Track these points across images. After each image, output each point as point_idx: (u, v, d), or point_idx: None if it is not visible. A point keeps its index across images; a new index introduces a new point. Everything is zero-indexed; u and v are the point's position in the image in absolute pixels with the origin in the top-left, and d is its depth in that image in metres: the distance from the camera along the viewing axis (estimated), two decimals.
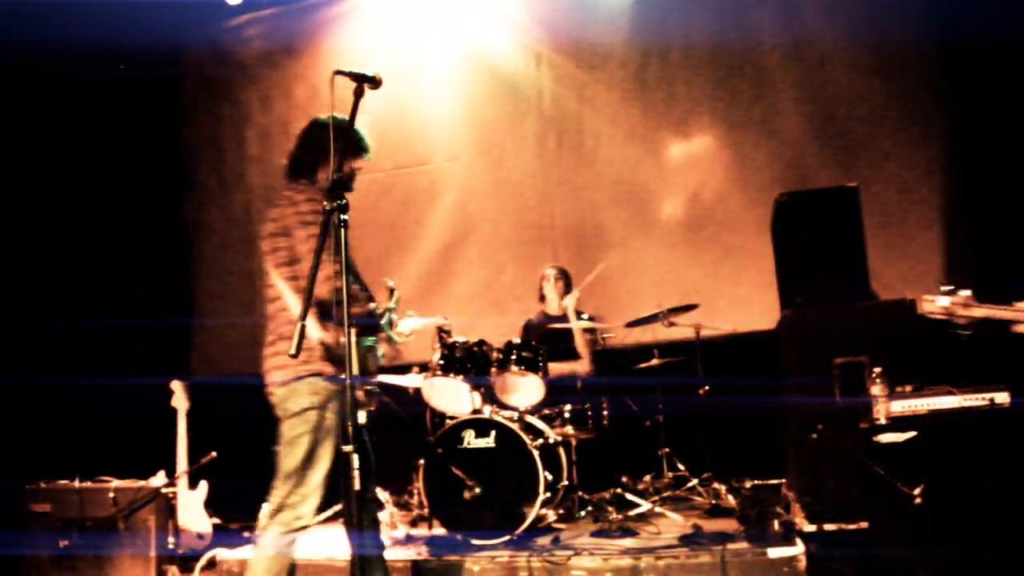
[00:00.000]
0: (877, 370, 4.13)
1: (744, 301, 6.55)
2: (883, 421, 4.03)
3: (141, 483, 5.45)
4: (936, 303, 3.17)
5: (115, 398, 7.17)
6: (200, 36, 8.27)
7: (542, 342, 5.70)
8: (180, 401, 5.90)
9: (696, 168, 7.01)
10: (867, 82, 6.61)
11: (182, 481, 5.59)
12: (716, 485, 5.77)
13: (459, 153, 7.59)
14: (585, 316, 6.03)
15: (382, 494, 5.66)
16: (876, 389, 4.08)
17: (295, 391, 3.41)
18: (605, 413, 5.57)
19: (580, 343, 6.13)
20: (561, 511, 5.45)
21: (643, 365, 6.02)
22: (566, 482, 5.39)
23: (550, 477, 5.08)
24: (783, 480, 5.90)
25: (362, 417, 3.31)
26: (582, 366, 6.12)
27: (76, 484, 5.51)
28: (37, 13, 7.43)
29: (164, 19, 7.81)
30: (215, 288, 8.08)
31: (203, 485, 5.63)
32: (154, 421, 6.35)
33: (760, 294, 6.36)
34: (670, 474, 5.92)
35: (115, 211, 7.83)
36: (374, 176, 7.43)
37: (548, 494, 5.02)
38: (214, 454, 5.50)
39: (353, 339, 2.81)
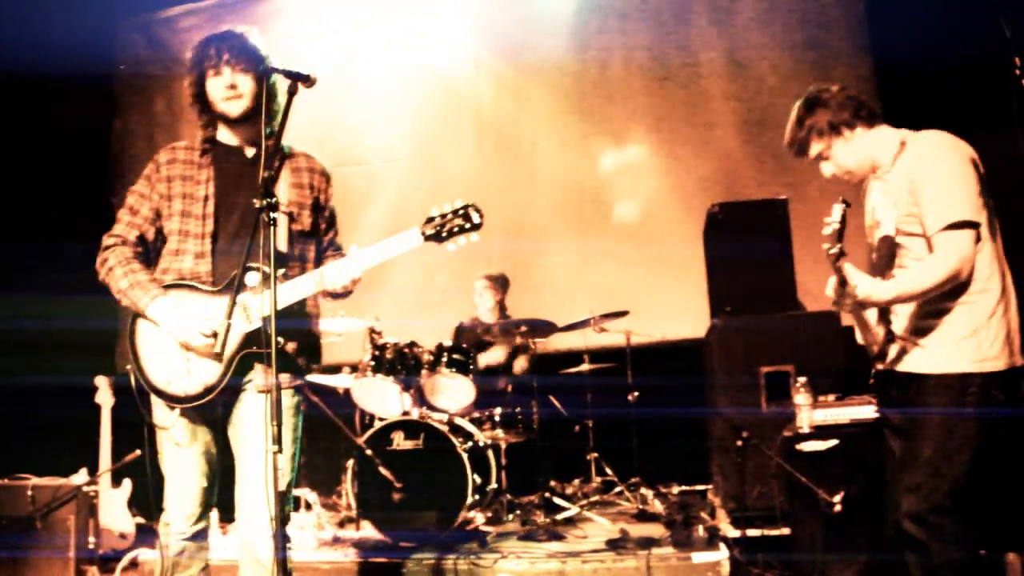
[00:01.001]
0: (801, 379, 4.22)
1: (675, 309, 6.63)
2: (806, 429, 4.12)
3: (61, 481, 5.32)
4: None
5: (40, 395, 7.03)
6: (134, 26, 8.13)
7: (474, 348, 5.72)
8: (105, 397, 5.78)
9: (632, 176, 7.09)
10: (797, 93, 6.69)
11: (104, 479, 5.47)
12: (643, 490, 5.84)
13: (396, 154, 7.57)
14: (515, 319, 6.05)
15: (310, 495, 5.62)
16: (800, 398, 4.17)
17: None
18: (535, 417, 5.60)
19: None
20: (489, 514, 5.46)
21: (573, 370, 6.07)
22: (495, 485, 5.40)
23: (479, 480, 5.08)
24: (709, 486, 6.00)
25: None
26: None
27: None
28: None
29: (98, 7, 7.67)
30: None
31: (126, 483, 5.51)
32: (79, 418, 6.24)
33: (690, 302, 6.43)
34: (598, 479, 5.97)
35: (41, 205, 7.63)
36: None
37: (476, 497, 5.03)
38: (138, 452, 5.37)
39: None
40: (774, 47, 6.87)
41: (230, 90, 3.20)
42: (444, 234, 3.06)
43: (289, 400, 3.21)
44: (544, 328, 5.66)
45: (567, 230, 7.08)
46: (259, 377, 3.13)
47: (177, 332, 3.06)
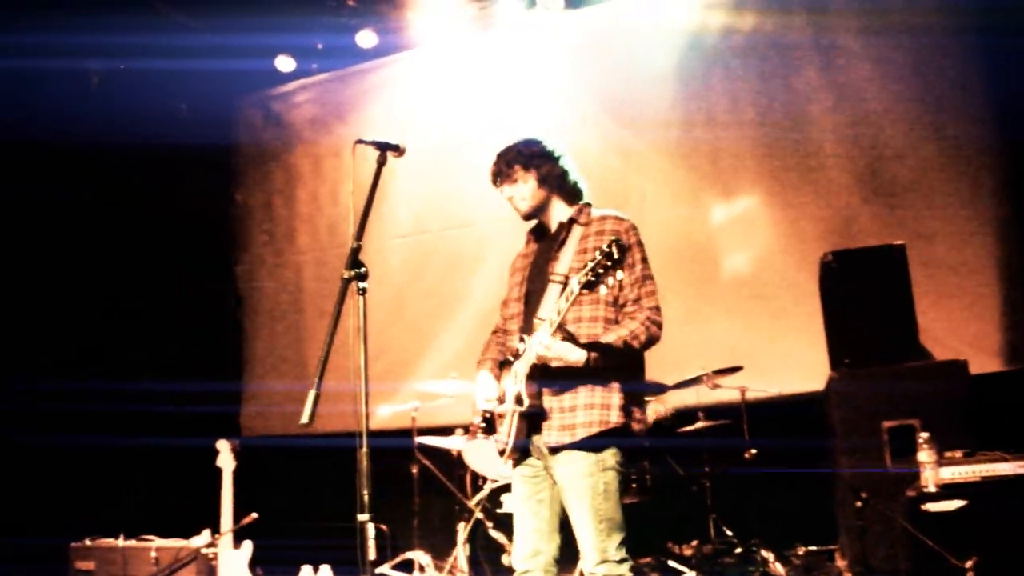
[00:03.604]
0: (924, 435, 4.01)
1: (791, 362, 6.41)
2: (932, 489, 3.90)
3: (183, 543, 5.47)
4: None
5: (165, 458, 7.28)
6: (252, 102, 8.49)
7: None
8: (226, 461, 5.92)
9: (742, 227, 6.94)
10: (911, 137, 6.51)
11: (225, 541, 5.59)
12: (764, 552, 5.61)
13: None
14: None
15: (423, 557, 5.62)
16: (924, 455, 3.96)
17: None
18: (648, 477, 5.47)
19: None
20: None
21: (688, 428, 5.91)
22: None
23: None
24: (834, 547, 5.74)
25: None
26: None
27: (120, 543, 5.55)
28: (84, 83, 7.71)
29: (217, 85, 8.06)
30: (265, 349, 8.18)
31: (247, 545, 5.62)
32: (201, 481, 6.43)
33: (807, 355, 6.24)
34: (717, 540, 5.77)
35: (167, 274, 7.97)
36: (420, 238, 7.50)
37: None
38: (255, 515, 5.49)
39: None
40: (885, 94, 6.66)
41: (510, 201, 3.72)
42: (594, 278, 3.16)
43: (585, 463, 3.36)
44: (655, 387, 5.56)
45: (677, 284, 6.94)
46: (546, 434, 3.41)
47: (476, 400, 3.67)
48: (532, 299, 3.54)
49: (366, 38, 7.79)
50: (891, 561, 4.37)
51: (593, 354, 3.32)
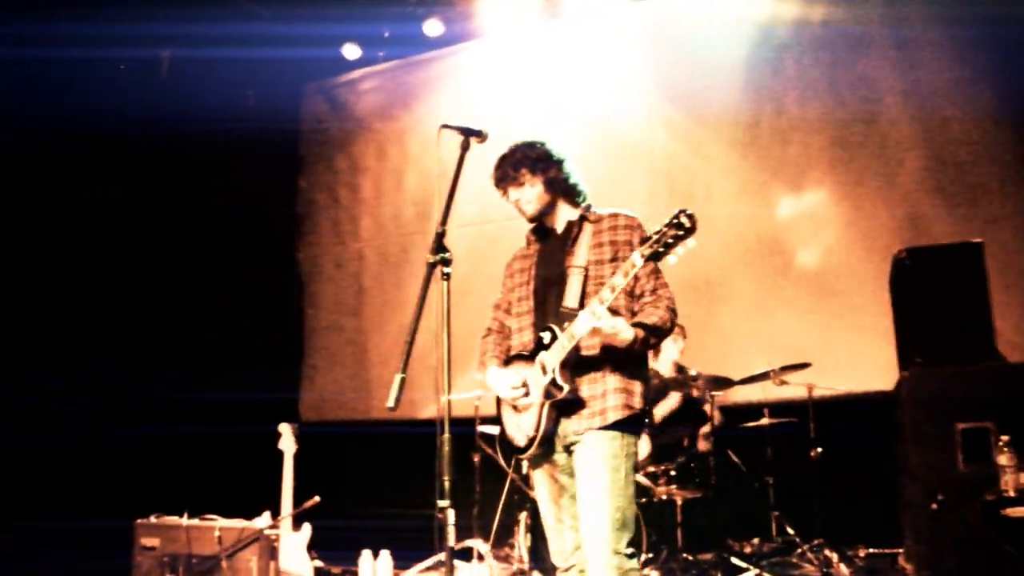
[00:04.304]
0: (1004, 438, 3.90)
1: (860, 360, 6.28)
2: (1011, 493, 3.79)
3: (246, 523, 5.52)
4: None
5: (226, 443, 7.38)
6: (318, 89, 8.55)
7: (650, 401, 5.60)
8: (288, 444, 5.95)
9: (810, 222, 6.82)
10: (989, 132, 6.35)
11: (286, 523, 5.64)
12: (828, 552, 5.51)
13: None
14: (693, 373, 5.88)
15: (482, 546, 5.61)
16: (1004, 458, 3.85)
17: None
18: (712, 472, 5.41)
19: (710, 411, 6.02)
20: (664, 572, 5.28)
21: (752, 424, 5.83)
22: (669, 543, 5.24)
23: (654, 537, 4.94)
24: (900, 550, 5.62)
25: None
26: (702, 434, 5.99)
27: (184, 521, 5.61)
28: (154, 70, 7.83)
29: (283, 73, 8.13)
30: (326, 335, 8.24)
31: (306, 528, 5.65)
32: (262, 463, 6.50)
33: (876, 353, 6.09)
34: (779, 538, 5.69)
35: (231, 261, 8.05)
36: (483, 227, 7.49)
37: (651, 554, 4.89)
38: (317, 499, 5.52)
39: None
40: (960, 87, 6.49)
41: (515, 205, 3.68)
42: (662, 249, 3.13)
43: (607, 445, 3.34)
44: (722, 382, 5.49)
45: (744, 280, 6.87)
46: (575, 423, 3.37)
47: (499, 392, 3.55)
48: (546, 294, 3.56)
49: (433, 27, 7.81)
50: (964, 569, 4.25)
51: (641, 333, 3.33)
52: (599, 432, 3.34)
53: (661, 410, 6.00)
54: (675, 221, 3.13)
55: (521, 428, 3.47)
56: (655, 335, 3.41)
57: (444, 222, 3.05)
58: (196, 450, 7.39)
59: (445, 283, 2.95)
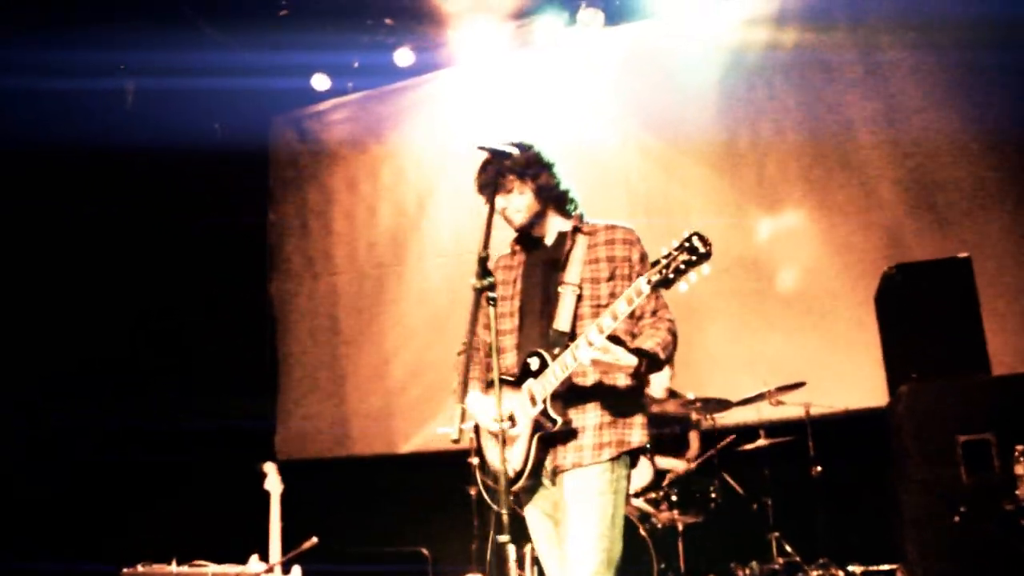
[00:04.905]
0: (1020, 447, 3.92)
1: (846, 378, 6.31)
2: None
3: (239, 568, 5.33)
4: None
5: (202, 480, 7.17)
6: (286, 121, 8.44)
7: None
8: (273, 484, 5.78)
9: (789, 243, 6.87)
10: (962, 151, 6.45)
11: (277, 567, 5.46)
12: (833, 571, 5.50)
13: None
14: (691, 396, 5.85)
15: None
16: (1021, 468, 3.87)
17: None
18: (714, 496, 5.37)
19: (692, 438, 5.97)
20: None
21: (749, 446, 5.81)
22: (673, 569, 5.18)
23: (662, 565, 4.88)
24: (894, 566, 5.62)
25: None
26: (687, 459, 5.94)
27: (173, 568, 5.39)
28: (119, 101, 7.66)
29: (251, 104, 8.00)
30: (300, 371, 8.07)
31: (296, 570, 5.48)
32: (241, 502, 6.32)
33: (861, 371, 6.16)
34: (780, 559, 5.66)
35: (201, 295, 7.86)
36: (461, 257, 7.44)
37: None
38: (315, 540, 5.33)
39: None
40: (931, 108, 6.61)
41: (502, 213, 3.45)
42: (672, 275, 2.93)
43: (604, 480, 3.17)
44: (719, 404, 5.47)
45: (725, 301, 6.87)
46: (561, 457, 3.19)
47: (482, 423, 3.32)
48: (532, 313, 3.33)
49: (404, 56, 7.75)
50: None
51: (644, 360, 3.13)
52: (589, 465, 3.16)
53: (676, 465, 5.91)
54: (687, 244, 2.94)
55: (508, 461, 3.20)
56: (657, 362, 3.21)
57: (486, 246, 2.94)
58: (169, 488, 7.17)
59: (492, 308, 2.82)
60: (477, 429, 3.45)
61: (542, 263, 3.40)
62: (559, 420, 3.10)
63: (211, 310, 7.84)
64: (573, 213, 3.46)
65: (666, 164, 7.27)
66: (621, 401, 3.25)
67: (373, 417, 7.62)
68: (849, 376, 6.32)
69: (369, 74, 8.02)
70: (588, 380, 3.22)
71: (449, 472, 6.43)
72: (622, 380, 3.25)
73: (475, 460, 3.50)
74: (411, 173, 7.91)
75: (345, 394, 7.82)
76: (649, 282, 2.96)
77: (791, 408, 5.79)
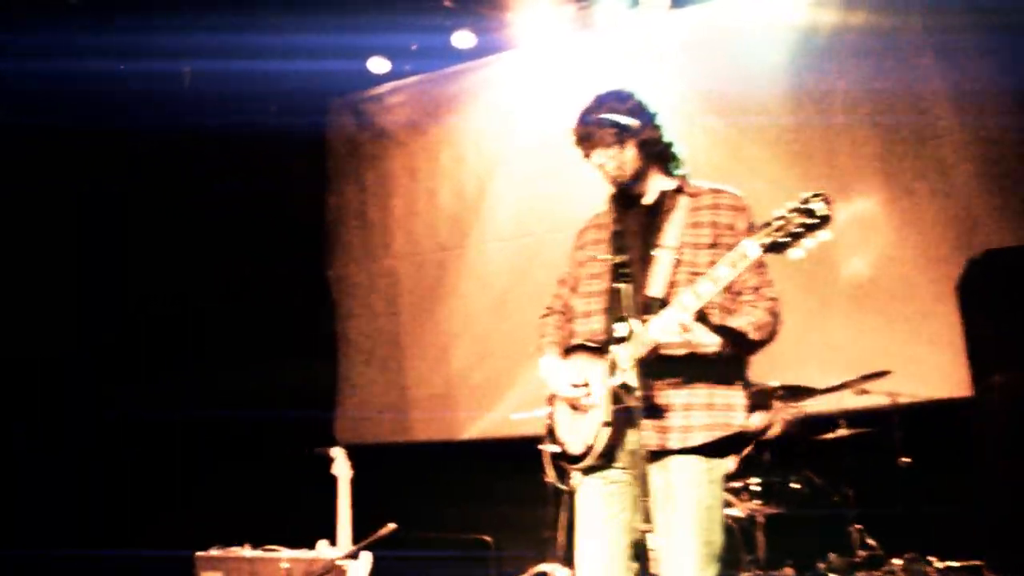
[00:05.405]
0: None
1: (924, 367, 6.15)
2: None
3: (313, 554, 5.28)
4: None
5: (262, 465, 7.14)
6: (343, 104, 8.36)
7: None
8: (342, 468, 5.71)
9: (860, 230, 6.71)
10: None
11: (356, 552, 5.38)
12: (918, 564, 5.38)
13: None
14: (774, 383, 5.70)
15: (560, 571, 5.43)
16: None
17: None
18: (795, 486, 5.27)
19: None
20: None
21: (830, 436, 5.69)
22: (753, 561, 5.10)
23: (751, 556, 4.80)
24: (978, 563, 5.50)
25: None
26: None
27: (247, 553, 5.36)
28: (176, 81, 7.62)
29: (309, 87, 7.92)
30: (360, 356, 8.01)
31: (366, 557, 5.42)
32: (302, 487, 6.28)
33: (939, 360, 6.02)
34: (862, 552, 5.55)
35: (258, 280, 7.81)
36: (523, 240, 7.33)
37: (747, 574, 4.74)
38: (393, 525, 5.25)
39: None
40: (1008, 92, 6.43)
41: (601, 169, 3.25)
42: (786, 239, 2.73)
43: (697, 471, 2.97)
44: (803, 392, 5.35)
45: (794, 289, 6.72)
46: (647, 436, 2.90)
47: (553, 387, 3.10)
48: (623, 275, 3.00)
49: (463, 39, 7.64)
50: None
51: (726, 341, 2.93)
52: (685, 455, 2.92)
53: None
54: (804, 206, 2.74)
55: (578, 433, 3.01)
56: (745, 342, 2.99)
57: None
58: (228, 473, 7.16)
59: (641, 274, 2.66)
60: (551, 396, 3.26)
61: (639, 223, 3.21)
62: (640, 393, 2.80)
63: (268, 294, 7.78)
64: (676, 172, 3.28)
65: (733, 149, 7.12)
66: (720, 378, 3.02)
67: (434, 403, 7.54)
68: (927, 365, 6.17)
69: (428, 57, 7.91)
70: (680, 351, 2.95)
71: (512, 459, 6.36)
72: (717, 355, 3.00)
73: (549, 447, 3.25)
74: (471, 156, 7.80)
75: (405, 379, 7.75)
76: (760, 245, 2.76)
77: (872, 397, 5.65)
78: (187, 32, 7.11)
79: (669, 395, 2.97)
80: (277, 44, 7.44)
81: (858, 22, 6.91)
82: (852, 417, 5.71)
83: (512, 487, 6.54)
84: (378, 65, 7.88)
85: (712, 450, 2.98)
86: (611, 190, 3.30)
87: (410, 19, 7.60)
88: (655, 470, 2.89)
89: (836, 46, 6.93)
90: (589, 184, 7.79)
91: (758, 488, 5.25)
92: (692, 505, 2.91)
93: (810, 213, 2.74)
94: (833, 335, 6.54)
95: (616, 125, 3.18)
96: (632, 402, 2.81)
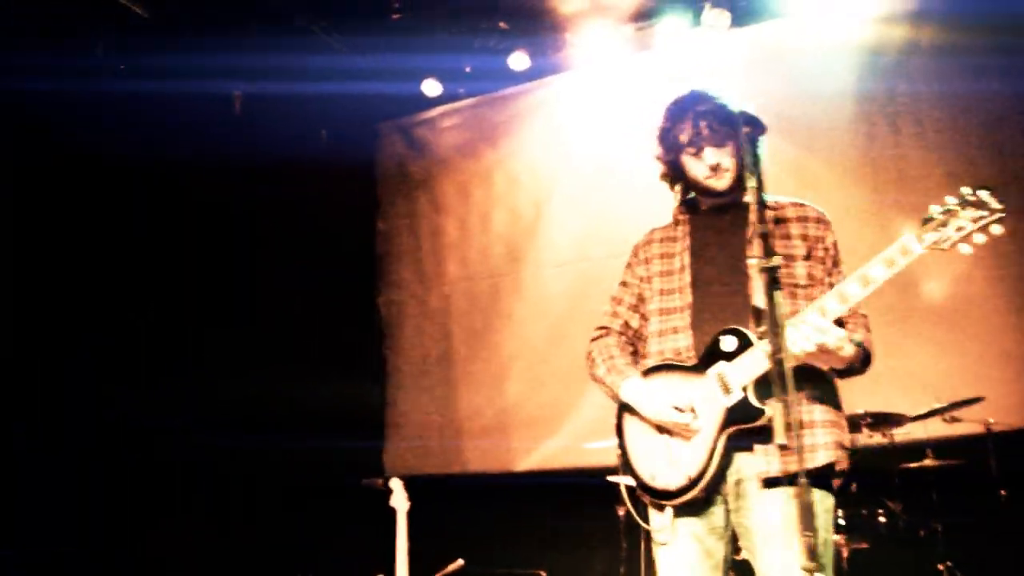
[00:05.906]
0: None
1: (1011, 394, 5.88)
2: None
3: None
4: None
5: (309, 499, 6.95)
6: (394, 128, 8.23)
7: None
8: (400, 501, 5.49)
9: (937, 253, 6.43)
10: None
11: None
12: None
13: None
14: (860, 411, 5.42)
15: None
16: None
17: None
18: (881, 519, 4.98)
19: None
20: None
21: (914, 465, 5.39)
22: None
23: None
24: None
25: None
26: None
27: None
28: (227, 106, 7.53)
29: (360, 110, 7.82)
30: (411, 385, 7.79)
31: None
32: (352, 520, 6.09)
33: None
34: None
35: (307, 306, 7.63)
36: (581, 265, 7.12)
37: None
38: (461, 562, 5.01)
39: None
40: None
41: (714, 170, 2.98)
42: (953, 234, 2.58)
43: (823, 501, 2.70)
44: (892, 419, 5.07)
45: (875, 312, 6.46)
46: (763, 462, 2.66)
47: (651, 412, 2.77)
48: (711, 289, 2.88)
49: (518, 60, 7.49)
50: None
51: (861, 352, 2.74)
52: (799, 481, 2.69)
53: None
54: (972, 198, 2.56)
55: (677, 464, 2.72)
56: (866, 360, 2.81)
57: (762, 219, 2.51)
58: (278, 505, 6.96)
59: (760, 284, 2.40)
60: (619, 426, 2.98)
61: (718, 235, 2.99)
62: (765, 411, 2.57)
63: (318, 323, 7.60)
64: (751, 185, 2.91)
65: (798, 169, 6.88)
66: (832, 396, 2.80)
67: (487, 433, 7.31)
68: (1007, 391, 5.88)
69: (481, 79, 7.77)
70: (795, 366, 2.63)
71: (569, 492, 6.16)
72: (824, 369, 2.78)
73: (622, 479, 3.02)
74: (526, 179, 7.62)
75: (457, 409, 7.52)
76: (920, 240, 2.61)
77: (963, 425, 5.36)
78: (239, 54, 7.02)
79: (789, 413, 2.67)
80: (328, 66, 7.37)
81: (927, 39, 6.71)
82: (939, 446, 5.41)
83: (568, 520, 6.32)
84: (431, 88, 7.74)
85: (825, 477, 2.74)
86: (680, 201, 3.16)
87: (464, 41, 7.50)
88: (766, 500, 2.66)
89: (905, 64, 6.73)
90: (648, 207, 7.61)
91: (842, 521, 4.95)
92: (819, 540, 2.60)
93: (982, 205, 2.60)
94: (909, 359, 6.25)
95: (754, 122, 2.96)
96: (757, 424, 2.61)
